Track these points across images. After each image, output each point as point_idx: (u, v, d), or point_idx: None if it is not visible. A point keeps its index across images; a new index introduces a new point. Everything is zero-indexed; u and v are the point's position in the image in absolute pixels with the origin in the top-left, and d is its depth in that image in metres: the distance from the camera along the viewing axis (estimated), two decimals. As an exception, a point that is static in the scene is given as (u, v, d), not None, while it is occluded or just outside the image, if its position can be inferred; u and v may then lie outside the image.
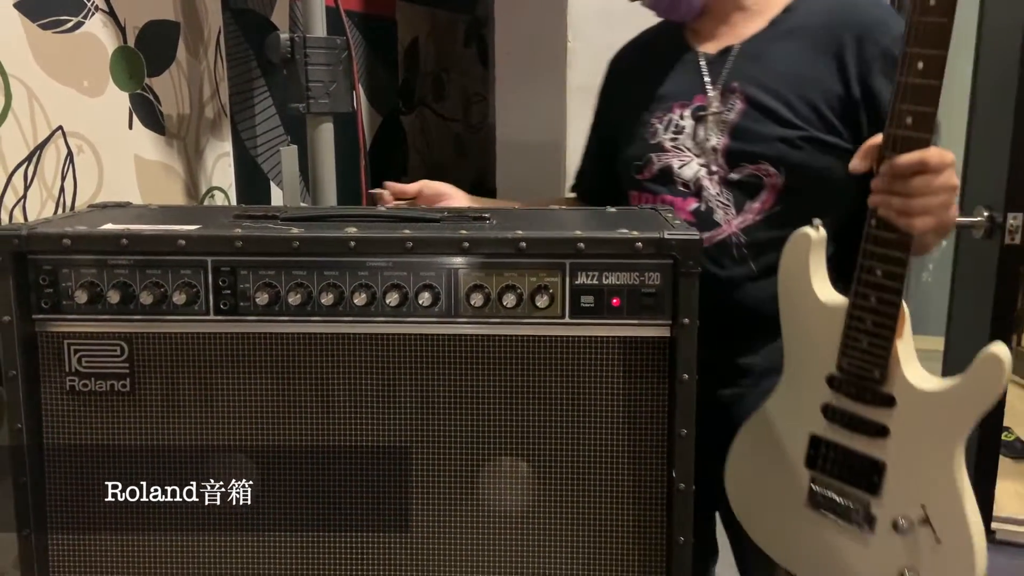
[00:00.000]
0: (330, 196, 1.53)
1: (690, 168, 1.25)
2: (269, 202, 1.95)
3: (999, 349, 0.94)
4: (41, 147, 1.34)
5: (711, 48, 1.29)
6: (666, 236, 0.98)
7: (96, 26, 1.45)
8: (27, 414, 1.02)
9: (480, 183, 2.99)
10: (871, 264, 1.00)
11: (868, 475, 1.04)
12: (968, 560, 0.98)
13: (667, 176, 1.27)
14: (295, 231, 1.01)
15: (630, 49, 1.44)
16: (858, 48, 1.18)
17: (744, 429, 1.17)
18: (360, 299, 1.01)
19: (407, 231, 1.01)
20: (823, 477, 1.08)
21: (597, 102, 1.47)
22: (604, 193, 1.40)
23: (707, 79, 1.27)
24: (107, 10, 1.47)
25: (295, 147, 1.58)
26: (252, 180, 1.90)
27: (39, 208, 1.34)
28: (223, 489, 1.06)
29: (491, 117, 2.79)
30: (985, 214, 1.98)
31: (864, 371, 1.03)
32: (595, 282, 1.01)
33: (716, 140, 1.24)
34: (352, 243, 1.00)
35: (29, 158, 1.32)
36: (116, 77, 1.49)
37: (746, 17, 1.28)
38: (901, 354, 1.01)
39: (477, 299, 1.01)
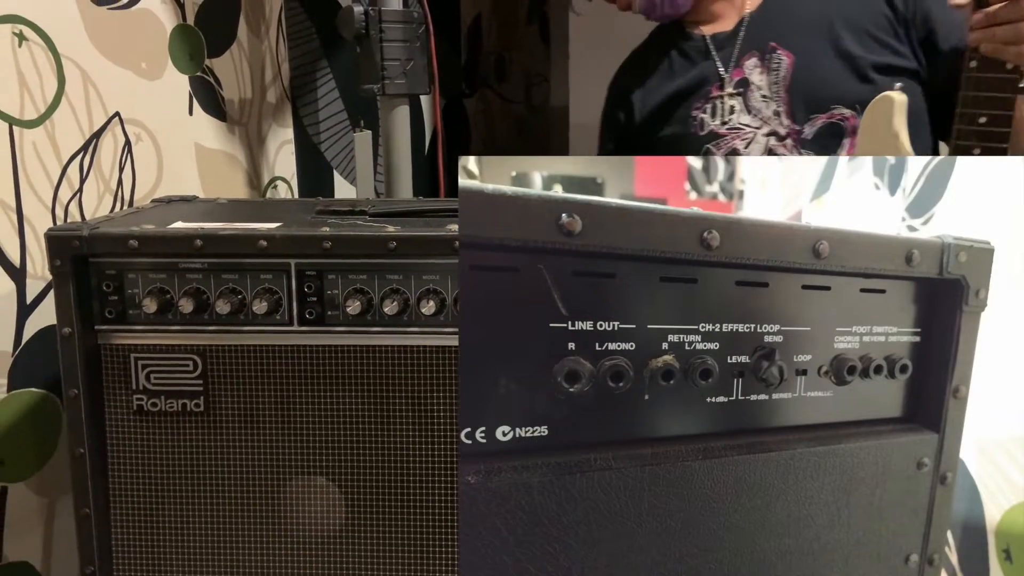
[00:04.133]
0: (406, 187, 1.40)
1: (757, 143, 1.21)
2: (333, 193, 1.82)
3: None
4: (97, 135, 1.22)
5: (720, 28, 1.28)
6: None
7: (153, 2, 1.32)
8: (90, 437, 0.91)
9: (543, 169, 2.84)
10: (971, 112, 0.94)
11: None
12: None
13: None
14: (391, 229, 0.88)
15: (629, 67, 1.43)
16: None
17: None
18: (465, 307, 0.87)
19: (520, 228, 0.87)
20: None
21: (606, 124, 1.45)
22: None
23: (734, 52, 1.25)
24: (165, -15, 1.35)
25: (369, 132, 1.45)
26: (315, 169, 1.77)
27: (96, 203, 1.23)
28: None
29: (558, 100, 2.64)
30: None
31: None
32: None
33: (775, 104, 1.20)
34: (457, 243, 0.86)
35: (85, 147, 1.20)
36: (175, 58, 1.37)
37: None
38: None
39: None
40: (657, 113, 1.30)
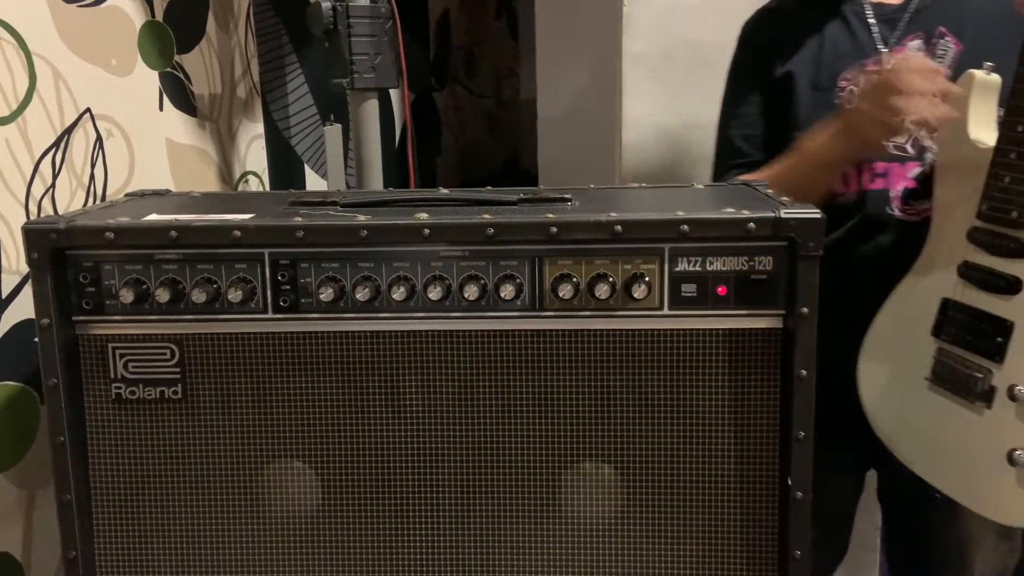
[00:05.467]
0: (376, 179, 1.43)
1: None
2: (304, 186, 1.84)
3: None
4: (69, 131, 1.24)
5: None
6: (783, 215, 0.87)
7: (122, -1, 1.34)
8: (70, 426, 0.93)
9: (514, 163, 2.88)
10: (1013, 120, 0.94)
11: (992, 338, 0.97)
12: None
13: None
14: (362, 218, 0.91)
15: (772, 13, 1.30)
16: None
17: (883, 306, 1.09)
18: (434, 293, 0.91)
19: (487, 216, 0.91)
20: (947, 346, 1.02)
21: (741, 71, 1.32)
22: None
23: (898, 29, 1.17)
24: (133, -18, 1.36)
25: (339, 126, 1.47)
26: (286, 163, 1.79)
27: (69, 198, 1.24)
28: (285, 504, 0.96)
29: (526, 94, 2.67)
30: None
31: (1002, 213, 0.95)
32: (698, 268, 0.90)
33: None
34: (426, 231, 0.90)
35: (57, 144, 1.21)
36: (145, 54, 1.39)
37: None
38: None
39: (565, 290, 0.90)
40: (799, 73, 1.21)
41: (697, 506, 0.94)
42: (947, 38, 1.16)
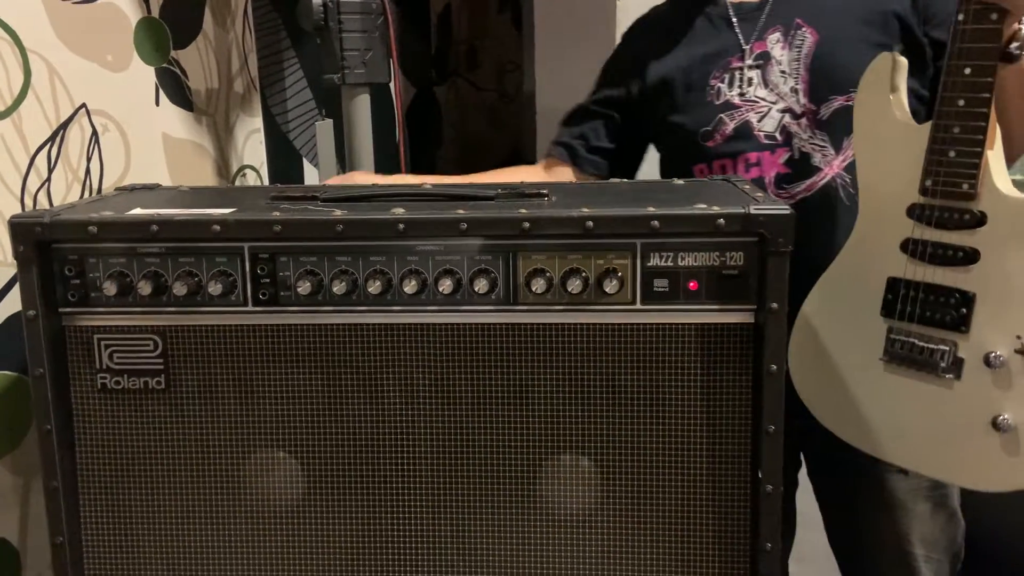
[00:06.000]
0: (368, 173, 1.44)
1: (771, 118, 1.20)
2: (302, 180, 1.86)
3: None
4: (64, 126, 1.26)
5: None
6: (752, 211, 0.88)
7: (118, -4, 1.36)
8: (56, 415, 0.95)
9: (516, 155, 2.88)
10: (959, 64, 0.94)
11: (955, 310, 0.97)
12: None
13: (746, 133, 1.21)
14: (338, 213, 0.93)
15: (648, 24, 1.40)
16: None
17: (812, 290, 1.09)
18: (410, 286, 0.92)
19: (460, 211, 0.92)
20: (902, 324, 1.01)
21: (610, 76, 1.40)
22: (618, 166, 1.36)
23: (758, 24, 1.23)
24: (129, -21, 1.38)
25: (330, 121, 1.49)
26: (284, 157, 1.82)
27: (64, 192, 1.27)
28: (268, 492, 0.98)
29: (526, 86, 2.67)
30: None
31: (951, 187, 0.96)
32: (669, 264, 0.91)
33: (794, 81, 1.19)
34: (401, 226, 0.91)
35: (52, 138, 1.24)
36: (141, 50, 1.41)
37: None
38: (992, 165, 0.94)
39: (538, 285, 0.91)
40: (674, 77, 1.28)
41: (669, 498, 0.95)
42: (804, 28, 1.21)
